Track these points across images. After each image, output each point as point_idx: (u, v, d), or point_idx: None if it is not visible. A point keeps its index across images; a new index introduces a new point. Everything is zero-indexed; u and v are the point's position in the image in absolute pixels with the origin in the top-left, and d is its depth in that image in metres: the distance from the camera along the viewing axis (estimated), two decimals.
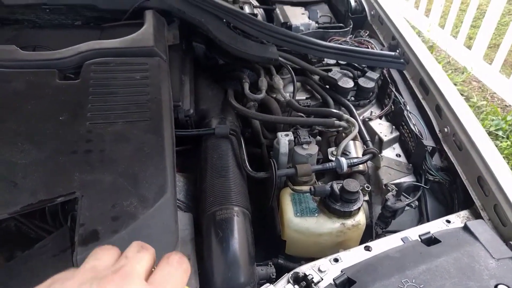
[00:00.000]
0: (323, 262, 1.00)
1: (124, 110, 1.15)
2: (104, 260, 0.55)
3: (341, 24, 2.04)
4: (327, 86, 1.70)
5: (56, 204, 0.95)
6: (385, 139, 1.50)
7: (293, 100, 1.56)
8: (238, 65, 1.72)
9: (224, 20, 1.64)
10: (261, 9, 2.16)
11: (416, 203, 1.30)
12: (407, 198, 1.28)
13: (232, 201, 1.15)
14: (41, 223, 1.00)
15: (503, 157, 3.06)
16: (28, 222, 1.00)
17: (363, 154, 1.37)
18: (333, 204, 1.18)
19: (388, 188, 1.31)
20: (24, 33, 1.54)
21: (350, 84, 1.64)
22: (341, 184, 1.17)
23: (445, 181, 1.35)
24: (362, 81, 1.67)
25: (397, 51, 1.75)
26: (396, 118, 1.60)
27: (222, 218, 1.10)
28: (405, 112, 1.53)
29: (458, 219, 1.18)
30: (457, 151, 1.34)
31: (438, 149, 1.41)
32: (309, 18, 2.01)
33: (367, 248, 1.05)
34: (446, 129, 1.40)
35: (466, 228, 1.09)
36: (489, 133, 3.37)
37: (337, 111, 1.50)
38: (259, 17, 2.08)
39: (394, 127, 1.55)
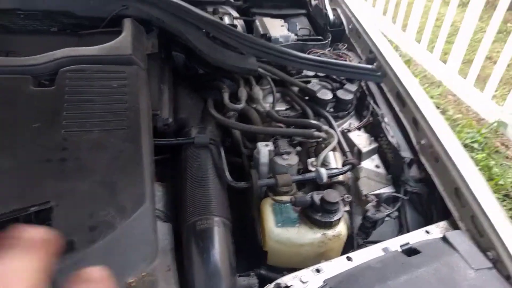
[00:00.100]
0: (305, 273, 0.99)
1: (101, 118, 1.12)
2: None
3: (320, 37, 2.05)
4: (306, 98, 1.70)
5: (30, 214, 0.91)
6: (364, 150, 1.50)
7: (273, 110, 1.56)
8: (218, 75, 1.71)
9: (204, 30, 1.63)
10: (241, 20, 2.17)
11: (396, 213, 1.31)
12: (387, 209, 1.28)
13: (212, 211, 1.13)
14: None
15: (479, 168, 3.17)
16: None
17: (343, 165, 1.37)
18: (314, 214, 1.17)
19: (368, 199, 1.31)
20: None
21: (328, 96, 1.65)
22: (321, 195, 1.17)
23: (423, 192, 1.36)
24: (340, 93, 1.68)
25: (374, 64, 1.78)
26: (374, 129, 1.61)
27: (202, 228, 1.08)
28: (383, 124, 1.55)
29: (437, 229, 1.19)
30: (434, 163, 1.35)
31: (416, 161, 1.42)
32: (288, 30, 2.02)
33: (349, 259, 1.05)
34: (423, 141, 1.42)
35: (445, 239, 1.10)
36: (465, 146, 3.44)
37: (316, 122, 1.50)
38: (239, 28, 2.08)
39: (372, 138, 1.56)
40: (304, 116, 1.60)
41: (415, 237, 1.13)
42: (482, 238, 1.12)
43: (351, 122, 1.70)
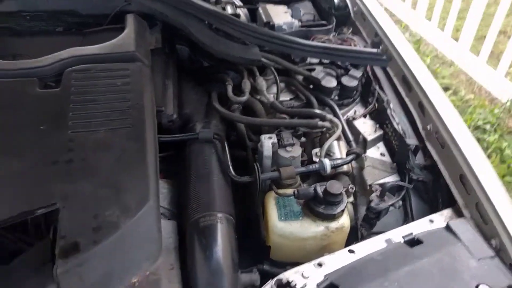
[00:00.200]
0: (307, 267, 1.00)
1: (106, 117, 1.14)
2: None
3: (324, 22, 2.03)
4: (311, 86, 1.69)
5: (38, 216, 0.94)
6: (369, 138, 1.50)
7: (276, 101, 1.56)
8: (223, 67, 1.71)
9: (206, 22, 1.63)
10: (245, 9, 2.15)
11: (400, 203, 1.31)
12: (391, 199, 1.29)
13: (216, 208, 1.15)
14: (23, 236, 1.00)
15: (491, 151, 3.11)
16: (9, 234, 0.99)
17: (347, 155, 1.38)
18: (316, 207, 1.18)
19: (373, 188, 1.31)
20: (3, 41, 1.53)
21: (333, 83, 1.64)
22: (324, 187, 1.18)
23: (428, 179, 1.36)
24: (345, 80, 1.67)
25: (380, 47, 1.76)
26: (379, 116, 1.60)
27: (205, 225, 1.10)
28: (389, 110, 1.54)
29: (441, 218, 1.19)
30: (440, 149, 1.34)
31: (421, 148, 1.42)
32: (292, 16, 2.00)
33: (351, 251, 1.06)
34: (429, 127, 1.40)
35: (448, 228, 1.10)
36: (477, 127, 3.38)
37: (320, 112, 1.50)
38: (243, 17, 2.07)
39: (378, 125, 1.55)
40: (309, 106, 1.60)
41: (418, 226, 1.14)
42: (487, 225, 1.12)
43: (356, 109, 1.69)
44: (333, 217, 1.18)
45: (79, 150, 1.04)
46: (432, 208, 1.34)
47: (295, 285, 0.95)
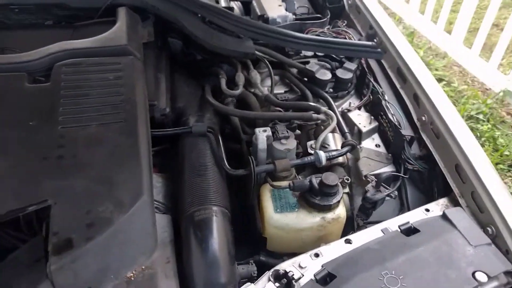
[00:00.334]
0: (304, 258, 1.00)
1: (97, 112, 1.12)
2: None
3: (318, 15, 2.02)
4: (305, 79, 1.69)
5: (29, 213, 0.93)
6: (364, 130, 1.50)
7: (271, 94, 1.55)
8: (216, 60, 1.70)
9: (199, 15, 1.62)
10: (238, 2, 2.14)
11: (396, 193, 1.31)
12: (387, 189, 1.28)
13: (211, 201, 1.14)
14: (16, 233, 0.98)
15: (484, 140, 3.13)
16: (1, 232, 0.98)
17: (342, 147, 1.37)
18: (312, 198, 1.17)
19: (368, 179, 1.31)
20: None
21: (327, 76, 1.64)
22: (320, 178, 1.17)
23: (424, 169, 1.36)
24: (340, 72, 1.66)
25: (375, 40, 1.75)
26: (374, 108, 1.60)
27: (201, 218, 1.09)
28: (383, 102, 1.53)
29: (437, 207, 1.19)
30: (435, 139, 1.34)
31: (416, 138, 1.42)
32: (286, 9, 1.99)
33: (348, 241, 1.06)
34: (423, 118, 1.41)
35: (444, 216, 1.10)
36: (470, 117, 3.40)
37: (315, 104, 1.49)
38: (236, 10, 2.05)
39: (373, 117, 1.55)
40: (303, 98, 1.60)
41: (414, 216, 1.14)
42: (482, 214, 1.12)
43: (351, 101, 1.68)
44: (329, 208, 1.18)
45: (70, 146, 1.03)
46: (428, 197, 1.35)
47: (292, 275, 0.95)
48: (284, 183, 1.23)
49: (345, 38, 1.84)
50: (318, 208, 1.18)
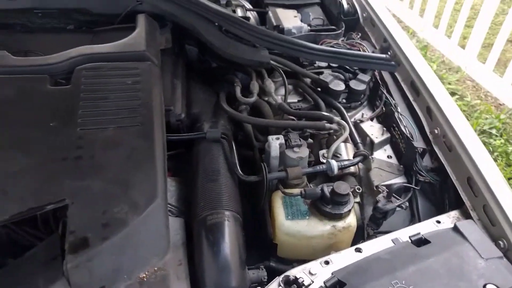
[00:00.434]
0: (314, 265, 1.01)
1: (115, 115, 1.15)
2: None
3: (333, 27, 2.04)
4: (319, 89, 1.70)
5: (46, 212, 0.95)
6: (376, 141, 1.50)
7: (284, 103, 1.57)
8: (231, 68, 1.73)
9: (216, 24, 1.65)
10: (254, 12, 2.17)
11: (407, 204, 1.31)
12: (398, 199, 1.29)
13: (223, 206, 1.16)
14: (33, 230, 1.00)
15: (497, 155, 3.11)
16: (19, 229, 1.00)
17: (354, 157, 1.38)
18: (323, 206, 1.18)
19: (379, 189, 1.32)
20: (15, 38, 1.55)
21: (341, 86, 1.65)
22: (331, 187, 1.18)
23: (435, 181, 1.36)
24: (353, 84, 1.67)
25: (389, 53, 1.77)
26: (387, 120, 1.61)
27: (213, 223, 1.11)
28: (396, 113, 1.54)
29: (448, 219, 1.19)
30: (447, 152, 1.35)
31: (429, 150, 1.42)
32: (301, 20, 2.02)
33: (358, 250, 1.06)
34: (436, 131, 1.41)
35: (455, 228, 1.10)
36: (483, 132, 3.38)
37: (328, 114, 1.51)
38: (252, 20, 2.08)
39: (385, 129, 1.55)
40: (316, 108, 1.61)
41: (425, 227, 1.14)
42: (494, 227, 1.12)
43: (364, 112, 1.69)
44: (340, 217, 1.18)
45: (88, 147, 1.05)
46: (439, 209, 1.35)
47: (303, 281, 0.95)
48: (296, 191, 1.24)
49: (359, 50, 1.86)
50: (329, 216, 1.19)
